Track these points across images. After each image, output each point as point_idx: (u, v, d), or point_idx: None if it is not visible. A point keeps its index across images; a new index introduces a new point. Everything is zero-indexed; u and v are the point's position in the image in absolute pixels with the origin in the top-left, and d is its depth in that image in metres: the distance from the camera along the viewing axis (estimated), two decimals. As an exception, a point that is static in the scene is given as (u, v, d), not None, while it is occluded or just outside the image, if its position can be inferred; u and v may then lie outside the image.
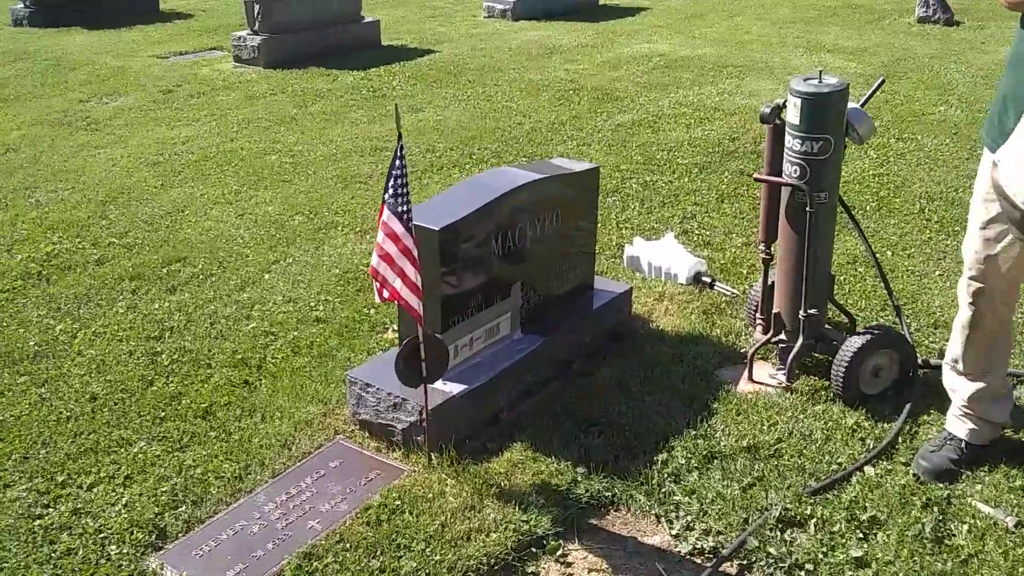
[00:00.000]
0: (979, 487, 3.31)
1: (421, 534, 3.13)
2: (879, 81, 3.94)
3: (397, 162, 2.99)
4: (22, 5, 13.19)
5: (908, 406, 3.73)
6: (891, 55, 10.11)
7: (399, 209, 3.03)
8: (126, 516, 3.26)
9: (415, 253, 3.09)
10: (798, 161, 3.69)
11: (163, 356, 4.29)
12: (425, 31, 12.26)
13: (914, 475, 3.39)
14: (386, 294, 3.13)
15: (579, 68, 9.86)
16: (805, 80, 3.66)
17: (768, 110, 3.79)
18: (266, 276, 5.10)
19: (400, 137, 3.00)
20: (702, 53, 10.44)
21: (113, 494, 3.38)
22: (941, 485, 3.32)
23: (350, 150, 7.24)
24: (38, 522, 3.25)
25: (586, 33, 11.86)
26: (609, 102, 8.45)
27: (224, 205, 6.16)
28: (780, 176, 3.80)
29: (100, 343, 4.43)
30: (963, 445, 3.40)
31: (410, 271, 3.11)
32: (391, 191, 3.00)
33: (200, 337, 4.45)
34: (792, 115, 3.67)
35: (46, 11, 13.07)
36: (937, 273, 4.92)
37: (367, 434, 3.68)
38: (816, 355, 4.04)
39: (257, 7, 10.12)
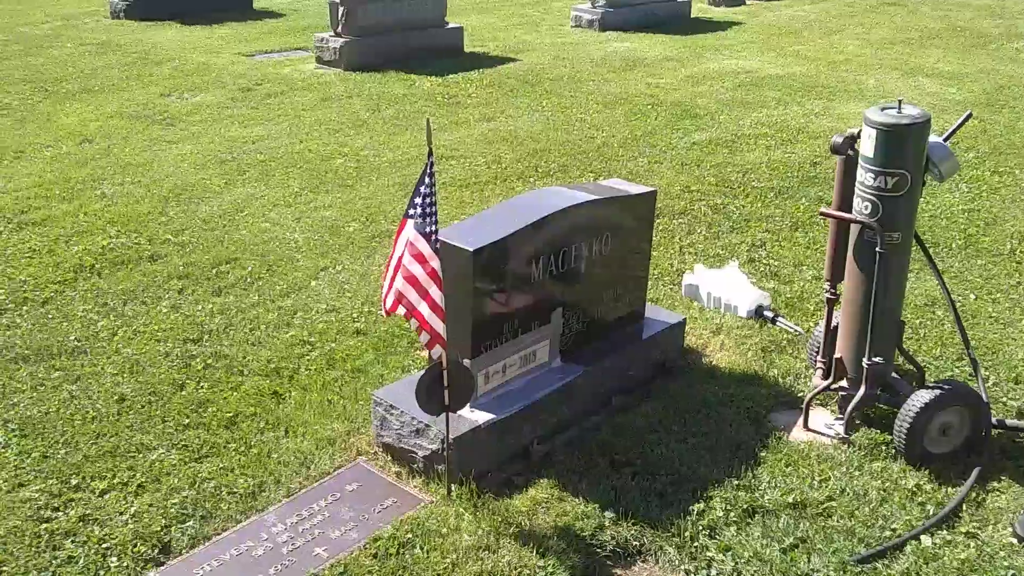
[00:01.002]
0: (1052, 569, 2.98)
1: (429, 572, 2.95)
2: (965, 115, 3.62)
3: (426, 179, 2.82)
4: (121, -1, 13.56)
5: (977, 470, 3.40)
6: (994, 82, 9.56)
7: (427, 229, 2.86)
8: (132, 527, 3.17)
9: (441, 275, 2.92)
10: (870, 197, 3.40)
11: (198, 360, 4.22)
12: (509, 39, 12.14)
13: (1014, 535, 3.11)
14: (400, 311, 2.96)
15: (661, 82, 9.59)
16: (882, 109, 3.37)
17: (840, 140, 3.51)
18: (313, 283, 5.00)
19: (430, 153, 2.83)
20: (792, 72, 10.06)
21: (124, 502, 3.30)
22: (1006, 563, 3.00)
23: (415, 157, 7.13)
24: (45, 526, 3.19)
25: (673, 46, 11.57)
26: (688, 119, 8.17)
27: (283, 207, 6.10)
28: (850, 212, 3.51)
29: (138, 342, 4.38)
30: None
31: (436, 294, 2.94)
32: (419, 209, 2.83)
33: (238, 343, 4.37)
34: (866, 147, 3.39)
35: (143, 5, 13.41)
36: (1024, 322, 4.54)
37: (389, 458, 3.52)
38: (880, 406, 3.72)
39: (341, 10, 10.14)
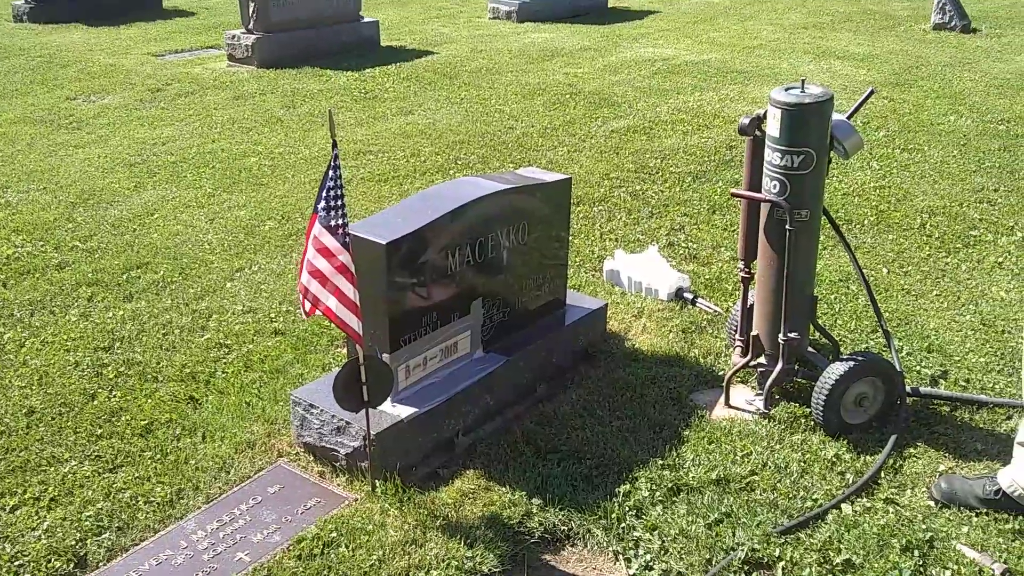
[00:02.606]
0: (965, 529, 3.06)
1: (356, 570, 2.91)
2: (867, 92, 3.69)
3: (331, 172, 2.77)
4: (23, 1, 13.08)
5: (893, 438, 3.48)
6: (903, 62, 9.82)
7: (333, 223, 2.81)
8: (46, 542, 3.06)
9: (352, 269, 2.87)
10: (778, 176, 3.45)
11: (109, 368, 4.09)
12: (427, 32, 12.07)
13: (931, 498, 3.19)
14: (309, 307, 2.90)
15: (579, 72, 9.63)
16: (786, 89, 3.42)
17: (748, 121, 3.55)
18: (228, 284, 4.89)
19: (335, 145, 2.78)
20: (707, 58, 10.19)
21: (36, 517, 3.18)
22: (924, 527, 3.07)
23: (333, 153, 7.03)
24: (-48, 547, 3.05)
25: (591, 36, 11.63)
26: (606, 107, 8.21)
27: (195, 208, 5.96)
28: (759, 191, 3.56)
29: (47, 353, 4.23)
30: (1000, 493, 3.14)
31: (347, 289, 2.89)
32: (323, 203, 2.78)
33: (151, 348, 4.25)
34: (772, 127, 3.43)
35: (46, 7, 12.97)
36: (935, 293, 4.66)
37: (311, 457, 3.46)
38: (798, 380, 3.79)
39: (252, 5, 9.95)
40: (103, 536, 3.09)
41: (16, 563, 2.99)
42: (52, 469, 3.43)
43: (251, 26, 10.02)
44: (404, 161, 6.81)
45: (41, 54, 10.85)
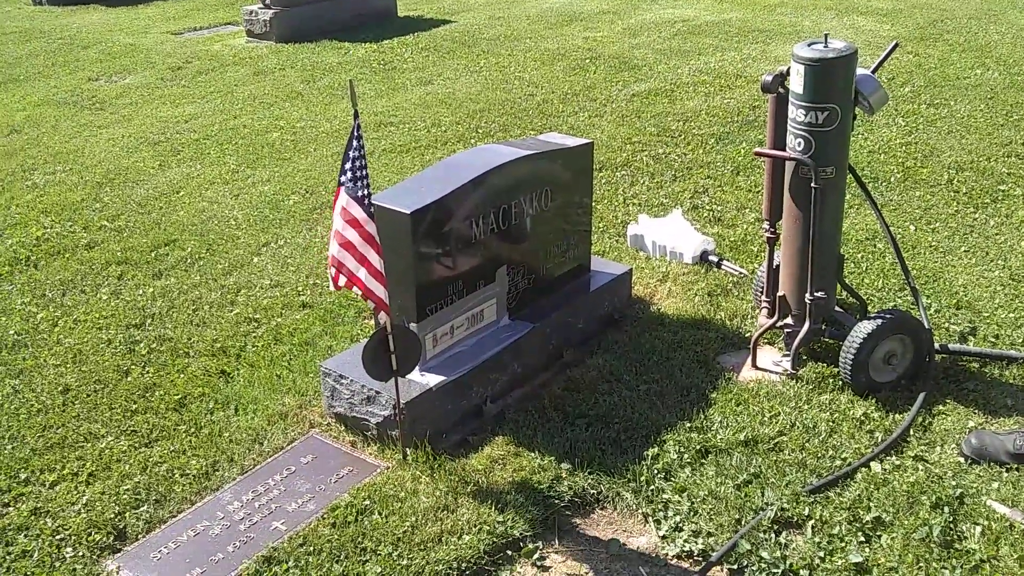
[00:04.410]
0: (995, 485, 3.05)
1: (389, 536, 2.95)
2: (892, 46, 3.64)
3: (354, 143, 2.78)
4: (41, -17, 13.17)
5: (922, 396, 3.47)
6: (927, 16, 9.64)
7: (359, 193, 2.82)
8: (86, 516, 3.13)
9: (378, 239, 2.89)
10: (802, 133, 3.41)
11: (141, 345, 4.15)
12: (444, 0, 11.99)
13: (960, 454, 3.19)
14: (342, 281, 2.93)
15: (598, 36, 9.54)
16: (809, 45, 3.38)
17: (770, 78, 3.51)
18: (255, 259, 4.93)
19: (356, 116, 2.78)
20: (728, 18, 10.06)
21: (75, 492, 3.25)
22: (954, 483, 3.07)
23: (354, 126, 7.05)
24: (-5, 522, 3.13)
25: (609, -1, 11.50)
26: (626, 71, 8.14)
27: (220, 185, 6.00)
28: (784, 150, 3.53)
29: (80, 331, 4.30)
30: None
31: (374, 259, 2.91)
32: (348, 174, 2.79)
33: (181, 324, 4.31)
34: (795, 83, 3.39)
35: (65, -11, 13.05)
36: (963, 249, 4.61)
37: (343, 427, 3.50)
38: (826, 340, 3.78)
39: (269, -20, 9.94)
40: (141, 509, 3.16)
41: (58, 537, 3.06)
42: (89, 445, 3.50)
43: (268, 1, 10.01)
44: (425, 131, 6.80)
45: (61, 36, 10.92)
